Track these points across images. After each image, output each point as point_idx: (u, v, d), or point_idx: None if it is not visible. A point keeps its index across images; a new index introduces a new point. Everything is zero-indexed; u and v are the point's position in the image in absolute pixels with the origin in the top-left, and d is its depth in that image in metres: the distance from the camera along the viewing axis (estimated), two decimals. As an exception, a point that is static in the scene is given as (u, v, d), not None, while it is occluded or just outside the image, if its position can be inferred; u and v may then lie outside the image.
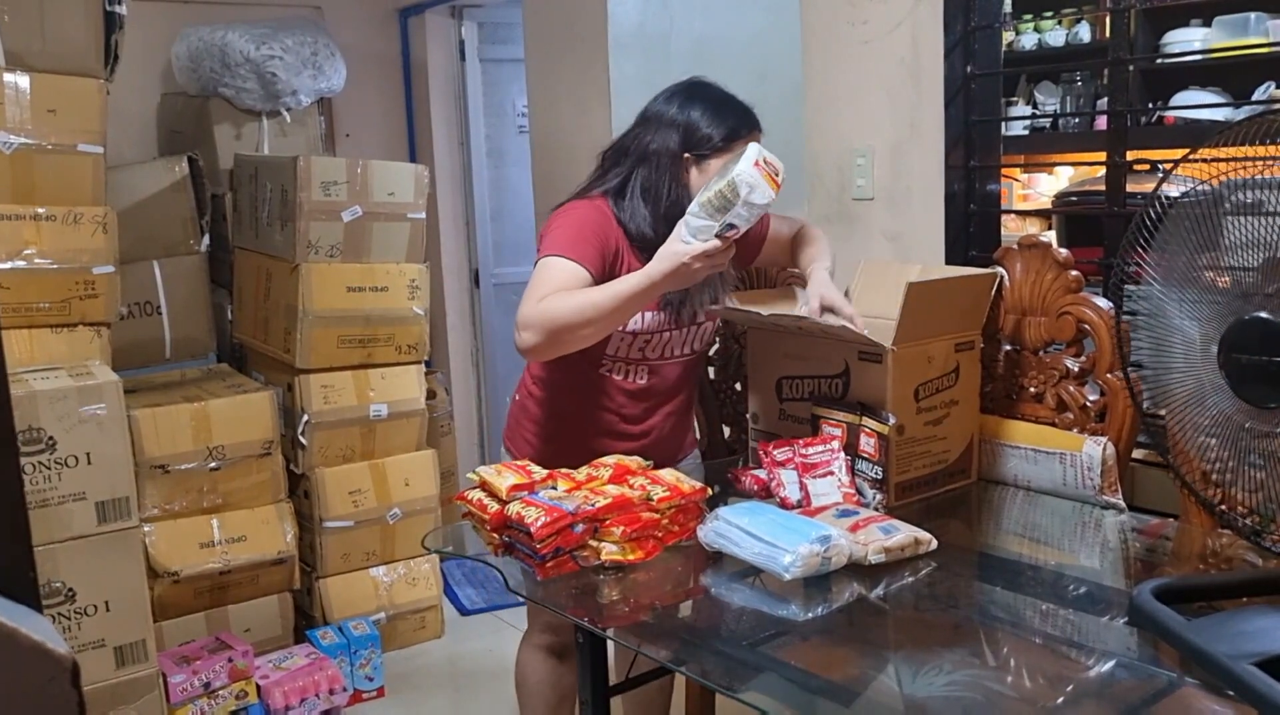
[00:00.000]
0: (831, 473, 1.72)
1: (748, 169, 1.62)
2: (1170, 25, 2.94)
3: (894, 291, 1.69)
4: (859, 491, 1.74)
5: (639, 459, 1.74)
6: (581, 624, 1.48)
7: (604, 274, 1.80)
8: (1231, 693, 1.13)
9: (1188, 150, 1.49)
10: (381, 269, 3.04)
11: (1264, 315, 1.41)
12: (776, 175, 1.65)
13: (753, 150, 1.66)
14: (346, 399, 3.04)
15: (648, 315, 1.86)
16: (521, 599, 1.66)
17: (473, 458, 4.31)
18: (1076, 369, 1.79)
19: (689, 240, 1.68)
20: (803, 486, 1.71)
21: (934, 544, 1.54)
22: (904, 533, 1.52)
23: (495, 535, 1.58)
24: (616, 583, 1.53)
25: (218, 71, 3.49)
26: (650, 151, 1.87)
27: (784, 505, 1.69)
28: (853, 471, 1.75)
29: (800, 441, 1.75)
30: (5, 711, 0.65)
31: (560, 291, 1.74)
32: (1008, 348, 1.89)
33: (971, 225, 2.39)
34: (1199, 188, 1.48)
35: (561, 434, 1.97)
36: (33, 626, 0.67)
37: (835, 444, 1.75)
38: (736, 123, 1.87)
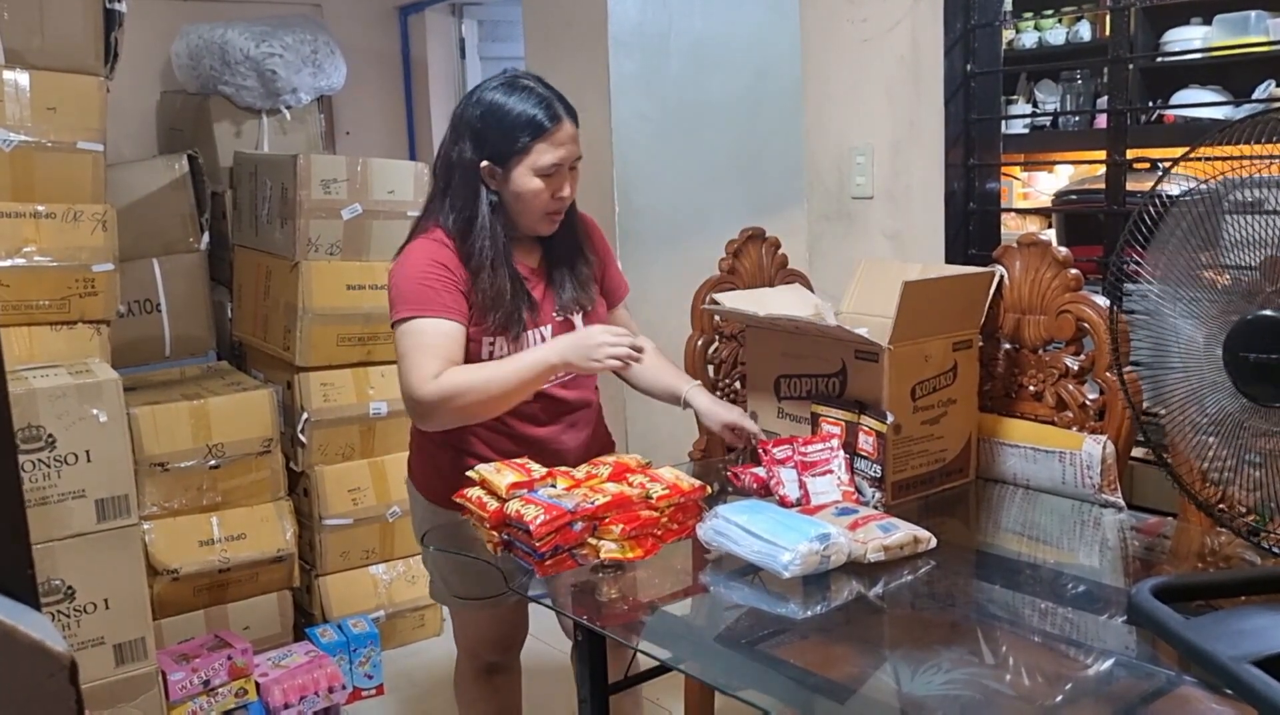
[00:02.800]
0: (831, 471, 1.72)
1: None
2: (1170, 23, 2.94)
3: (893, 290, 1.69)
4: (858, 490, 1.74)
5: (638, 456, 1.74)
6: (581, 622, 1.48)
7: (469, 309, 1.78)
8: (1230, 692, 1.13)
9: (1187, 149, 1.49)
10: (381, 267, 3.04)
11: (1269, 313, 1.41)
12: None
13: None
14: (346, 397, 3.04)
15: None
16: (524, 597, 1.66)
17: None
18: (1076, 367, 1.80)
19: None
20: (802, 485, 1.72)
21: (933, 542, 1.54)
22: (903, 531, 1.52)
23: (494, 533, 1.58)
24: (615, 581, 1.53)
25: (218, 69, 3.49)
26: (454, 165, 1.81)
27: (783, 503, 1.69)
28: (852, 469, 1.75)
29: (800, 440, 1.75)
30: (3, 709, 0.65)
31: (446, 362, 1.71)
32: (1007, 346, 1.89)
33: (971, 224, 2.39)
34: (1198, 186, 1.48)
35: (459, 462, 1.89)
36: (31, 624, 0.67)
37: (835, 442, 1.75)
38: (529, 123, 1.75)
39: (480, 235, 1.79)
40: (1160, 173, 1.53)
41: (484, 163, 1.79)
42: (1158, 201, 1.51)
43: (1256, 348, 1.42)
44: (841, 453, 1.74)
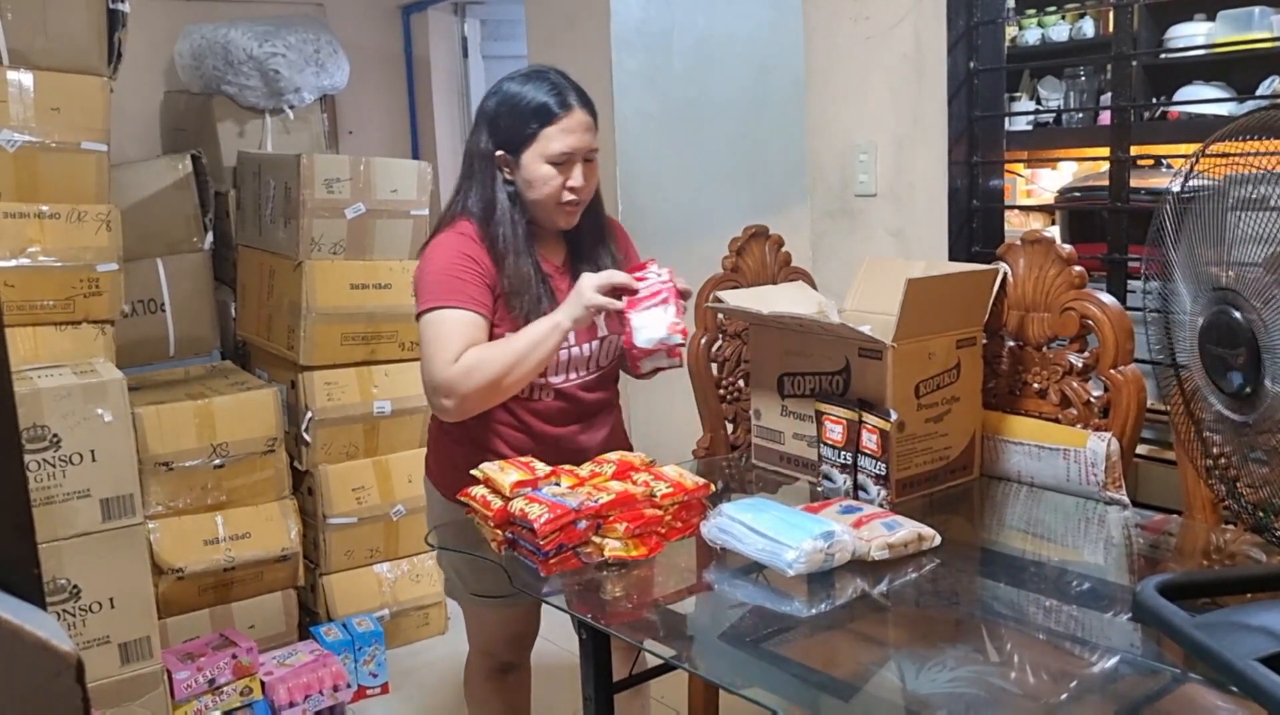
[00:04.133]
0: (658, 306, 1.72)
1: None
2: (1174, 20, 2.93)
3: (896, 288, 1.69)
4: (862, 488, 1.74)
5: (642, 455, 1.74)
6: (585, 620, 1.48)
7: (494, 302, 1.79)
8: (1236, 689, 1.13)
9: (1200, 145, 1.49)
10: (385, 266, 3.05)
11: (1229, 308, 1.42)
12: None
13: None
14: (350, 396, 3.05)
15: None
16: (531, 596, 1.66)
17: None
18: (1080, 365, 1.79)
19: (648, 342, 1.73)
20: (625, 320, 1.73)
21: (938, 540, 1.53)
22: (907, 529, 1.52)
23: (498, 532, 1.59)
24: (620, 579, 1.53)
25: (221, 69, 3.50)
26: (474, 154, 1.83)
27: (627, 345, 1.75)
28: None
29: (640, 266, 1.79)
30: (10, 708, 0.65)
31: (467, 347, 1.72)
32: (1011, 344, 1.89)
33: (975, 221, 2.39)
34: (1205, 183, 1.48)
35: (476, 458, 1.89)
36: (37, 623, 0.67)
37: (665, 273, 1.76)
38: (539, 109, 1.77)
39: (500, 223, 1.80)
40: (1187, 168, 1.52)
41: (499, 151, 1.80)
42: (1175, 199, 1.50)
43: (1216, 342, 1.44)
44: (674, 287, 1.75)
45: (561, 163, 1.77)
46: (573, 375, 1.89)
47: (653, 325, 1.72)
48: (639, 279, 1.77)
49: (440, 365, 1.73)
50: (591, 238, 1.91)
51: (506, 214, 1.80)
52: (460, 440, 1.91)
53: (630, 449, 2.03)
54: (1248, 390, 1.42)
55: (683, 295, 1.79)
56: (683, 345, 1.79)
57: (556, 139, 1.76)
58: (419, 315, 1.79)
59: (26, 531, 0.72)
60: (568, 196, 1.80)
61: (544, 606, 2.06)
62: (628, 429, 2.37)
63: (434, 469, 2.01)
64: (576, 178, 1.79)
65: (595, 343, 1.90)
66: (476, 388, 1.73)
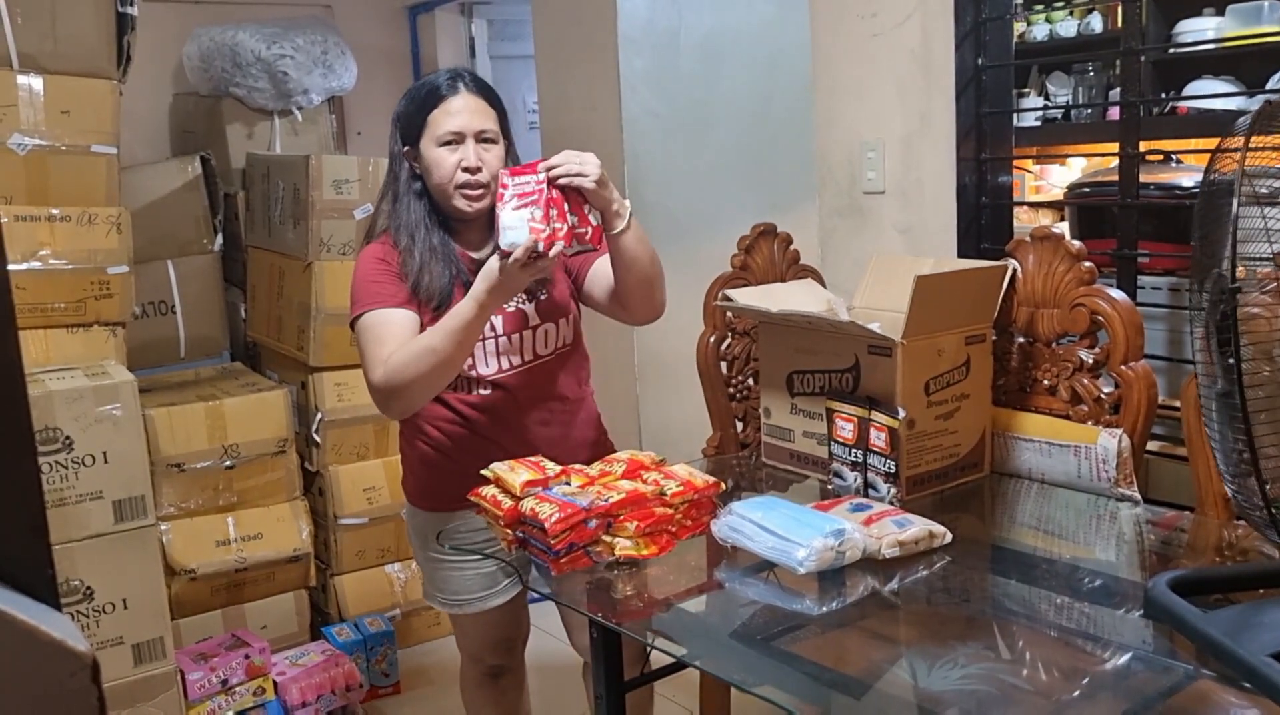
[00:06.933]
0: (521, 208, 1.63)
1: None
2: (1182, 14, 2.92)
3: (905, 285, 1.69)
4: (872, 485, 1.74)
5: (651, 453, 1.74)
6: (596, 619, 1.48)
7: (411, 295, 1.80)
8: (1249, 685, 1.13)
9: (1218, 140, 1.48)
10: (393, 267, 3.05)
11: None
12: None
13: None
14: (360, 396, 3.04)
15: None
16: (539, 596, 1.66)
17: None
18: (1090, 361, 1.79)
19: (510, 246, 1.63)
20: (495, 217, 1.65)
21: (948, 537, 1.53)
22: (918, 526, 1.52)
23: (509, 531, 1.59)
24: (630, 578, 1.53)
25: (229, 71, 3.51)
26: (390, 159, 1.88)
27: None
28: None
29: (511, 170, 1.69)
30: (26, 708, 0.66)
31: (396, 344, 1.73)
32: (1021, 340, 1.89)
33: (983, 218, 2.38)
34: (1216, 178, 1.47)
35: (430, 459, 1.93)
36: (52, 624, 0.67)
37: (542, 174, 1.64)
38: (429, 95, 1.81)
39: (400, 211, 1.83)
40: (1211, 161, 1.50)
41: (405, 147, 1.84)
42: (1202, 193, 1.49)
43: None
44: (543, 194, 1.62)
45: (451, 143, 1.79)
46: (504, 363, 1.86)
47: (519, 227, 1.63)
48: (521, 177, 1.67)
49: (374, 366, 1.74)
50: None
51: (405, 200, 1.83)
52: (411, 441, 1.95)
53: (612, 447, 2.03)
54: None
55: (580, 194, 1.68)
56: (545, 250, 1.64)
57: (444, 120, 1.79)
58: (351, 327, 1.81)
59: (41, 533, 0.72)
60: (461, 177, 1.79)
61: (535, 608, 2.08)
62: (638, 428, 2.39)
63: (406, 480, 2.04)
64: (470, 157, 1.79)
65: (528, 332, 1.87)
66: (411, 379, 1.71)
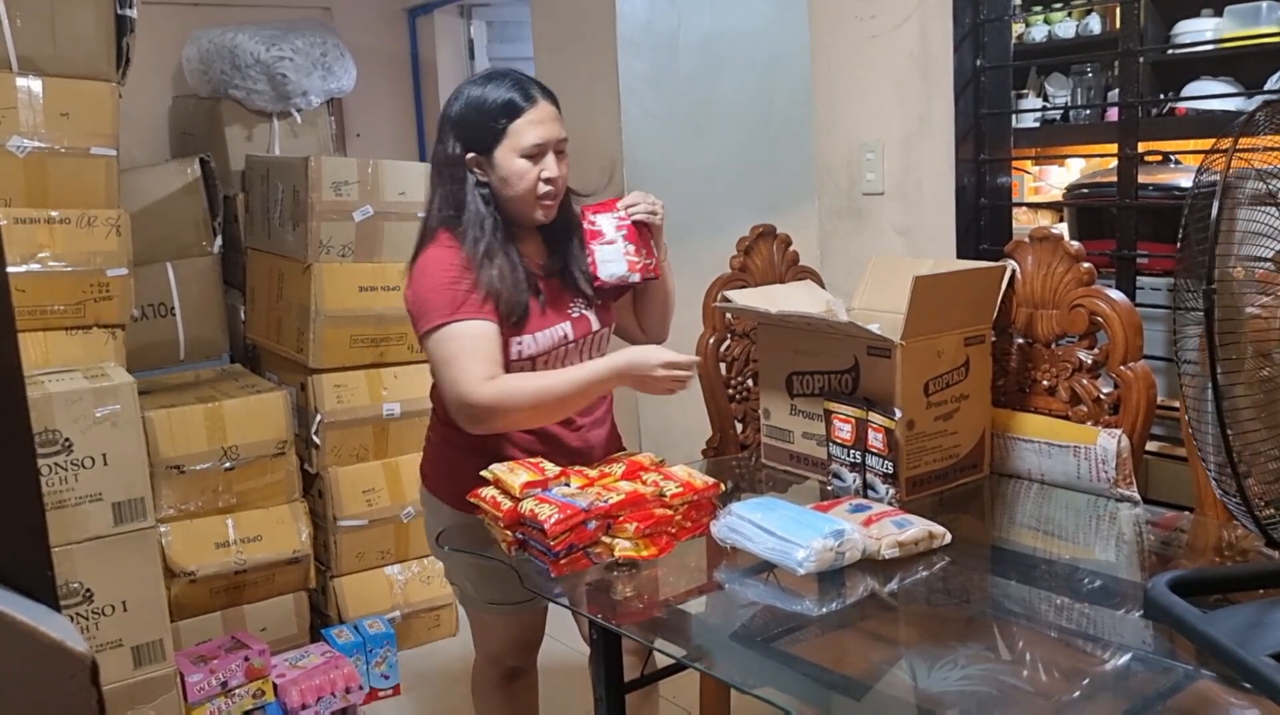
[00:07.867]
0: (613, 241, 1.84)
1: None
2: (1181, 15, 2.93)
3: (904, 286, 1.69)
4: (871, 486, 1.74)
5: (651, 455, 1.74)
6: (596, 621, 1.48)
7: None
8: (1248, 686, 1.13)
9: (1216, 139, 1.48)
10: (394, 268, 3.05)
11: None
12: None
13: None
14: (359, 398, 3.05)
15: (540, 336, 1.82)
16: (542, 596, 1.66)
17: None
18: (1089, 362, 1.79)
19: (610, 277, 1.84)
20: (590, 252, 1.84)
21: (948, 538, 1.53)
22: (918, 527, 1.52)
23: (508, 532, 1.59)
24: (630, 579, 1.53)
25: (228, 73, 3.51)
26: (441, 162, 1.83)
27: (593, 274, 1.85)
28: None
29: (592, 208, 1.88)
30: (27, 709, 0.66)
31: (492, 363, 1.71)
32: (1020, 341, 1.89)
33: (982, 219, 2.38)
34: (1207, 178, 1.47)
35: (485, 465, 1.85)
36: (52, 625, 0.68)
37: (623, 212, 1.86)
38: (506, 106, 1.77)
39: (471, 225, 1.79)
40: (1220, 163, 1.50)
41: (470, 154, 1.80)
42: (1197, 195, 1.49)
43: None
44: (619, 220, 1.86)
45: (534, 155, 1.78)
46: (572, 363, 1.87)
47: (616, 261, 1.84)
48: (603, 214, 1.88)
49: (471, 385, 1.69)
50: (563, 232, 1.90)
51: (476, 215, 1.79)
52: (467, 451, 1.85)
53: (623, 445, 2.04)
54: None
55: (649, 229, 1.90)
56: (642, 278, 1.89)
57: (527, 131, 1.77)
58: (427, 333, 1.75)
59: (41, 535, 0.72)
60: (544, 188, 1.79)
61: (551, 610, 2.07)
62: (638, 430, 2.40)
63: (434, 478, 1.98)
64: (551, 168, 1.79)
65: (589, 338, 1.90)
66: (518, 409, 1.72)
